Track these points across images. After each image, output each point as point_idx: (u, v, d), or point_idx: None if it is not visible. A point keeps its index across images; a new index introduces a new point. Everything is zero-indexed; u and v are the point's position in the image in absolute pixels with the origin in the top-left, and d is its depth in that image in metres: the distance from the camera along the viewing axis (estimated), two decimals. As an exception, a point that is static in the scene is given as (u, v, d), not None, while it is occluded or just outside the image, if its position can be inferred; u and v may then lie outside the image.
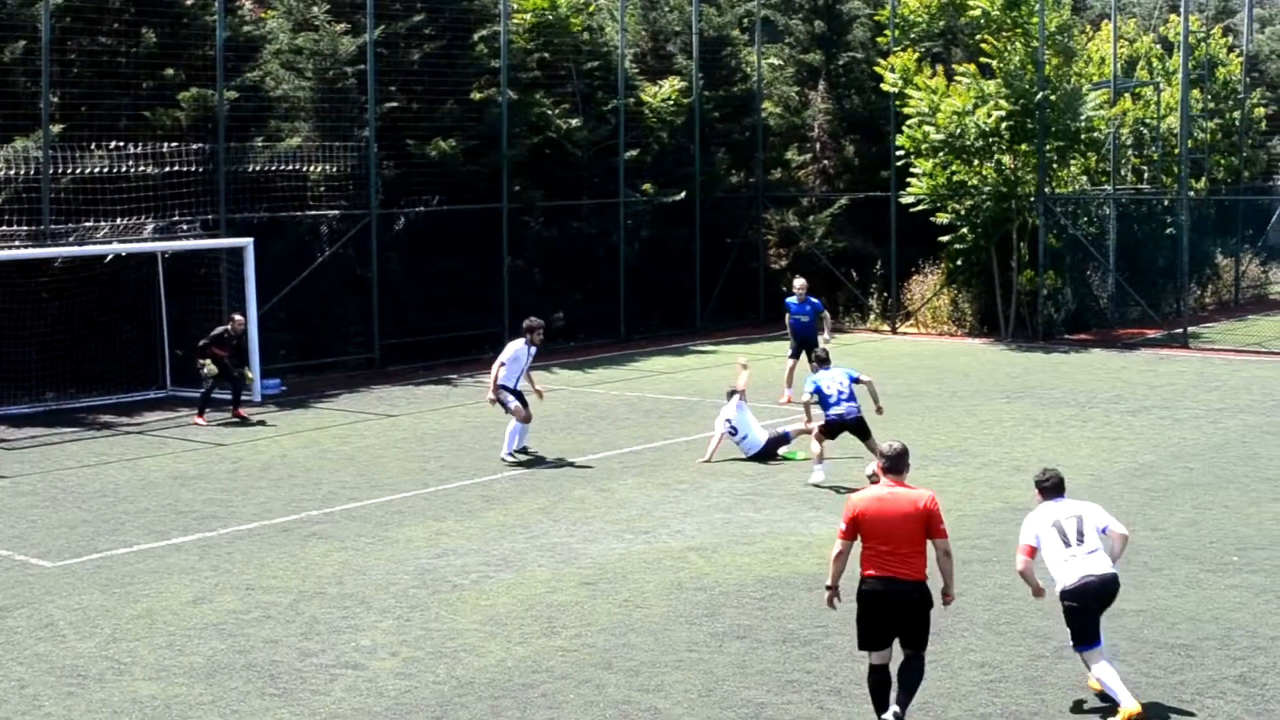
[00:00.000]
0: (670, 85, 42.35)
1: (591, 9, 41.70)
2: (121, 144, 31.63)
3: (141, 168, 31.75)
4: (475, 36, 38.36)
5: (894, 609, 12.77)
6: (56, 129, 30.94)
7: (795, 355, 31.33)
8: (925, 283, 42.39)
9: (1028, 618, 15.94)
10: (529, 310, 30.00)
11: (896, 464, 13.04)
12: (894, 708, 12.77)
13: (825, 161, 46.13)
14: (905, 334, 41.63)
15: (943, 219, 39.73)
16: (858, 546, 12.93)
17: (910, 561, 12.71)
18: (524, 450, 25.00)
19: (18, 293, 30.68)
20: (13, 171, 30.36)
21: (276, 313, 33.44)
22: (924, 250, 41.84)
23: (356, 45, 35.77)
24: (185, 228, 32.36)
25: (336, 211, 35.67)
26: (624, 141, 40.73)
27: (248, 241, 31.77)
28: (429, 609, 16.77)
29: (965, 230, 39.61)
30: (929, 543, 12.84)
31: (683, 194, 41.65)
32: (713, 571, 18.08)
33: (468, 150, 37.45)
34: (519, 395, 25.21)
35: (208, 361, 29.53)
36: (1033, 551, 13.62)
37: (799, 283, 32.51)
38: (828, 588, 13.20)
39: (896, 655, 13.00)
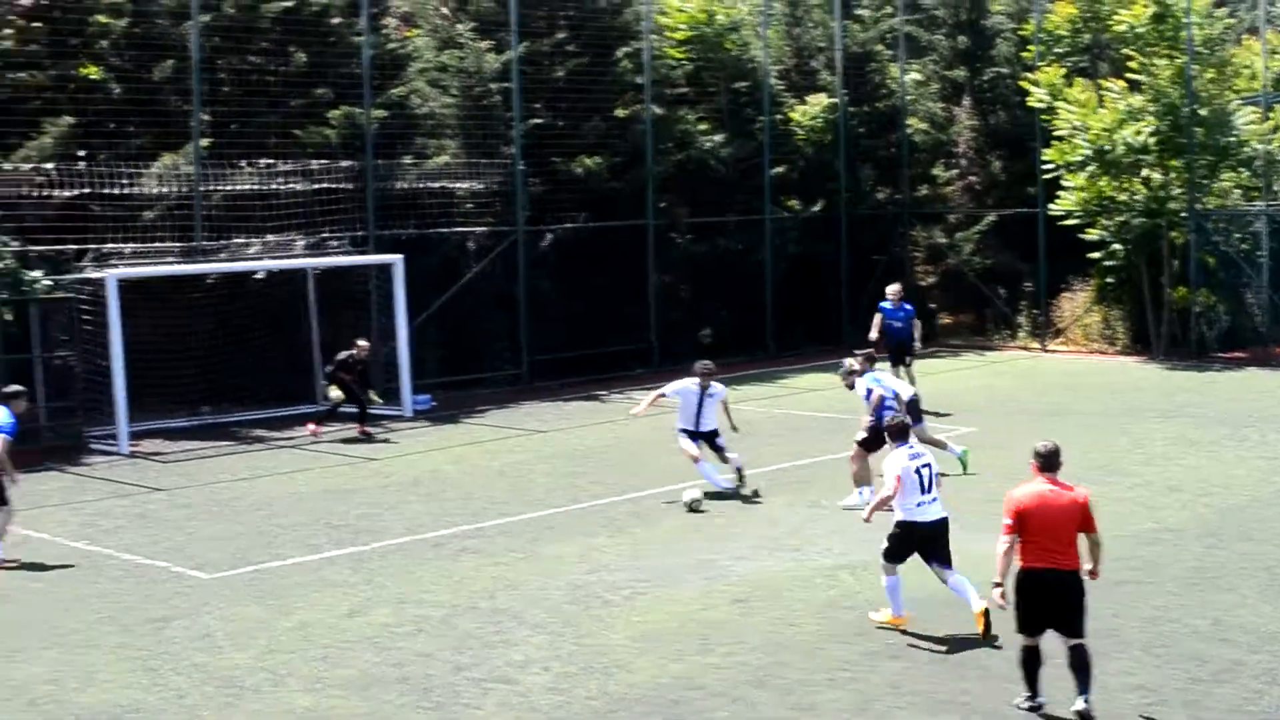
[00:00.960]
0: (816, 102, 42.22)
1: (737, 24, 41.66)
2: (271, 161, 31.99)
3: (291, 185, 32.08)
4: (619, 53, 38.44)
5: (1054, 596, 13.62)
6: (207, 145, 31.34)
7: (895, 362, 31.15)
8: (1075, 300, 41.87)
9: (1185, 640, 15.69)
10: (676, 326, 30.02)
11: (1051, 462, 13.84)
12: (1079, 703, 13.44)
13: (972, 177, 45.74)
14: (1055, 351, 41.12)
15: (1092, 235, 39.28)
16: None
17: (1069, 552, 13.63)
18: (739, 474, 23.92)
19: (172, 308, 31.10)
20: (165, 189, 30.77)
21: (426, 329, 33.64)
22: (1073, 267, 41.32)
23: (501, 62, 35.96)
24: (335, 244, 32.66)
25: (484, 228, 35.84)
26: (770, 158, 40.65)
27: (397, 258, 32.02)
28: (581, 624, 16.77)
29: (1115, 246, 39.14)
30: (1081, 535, 13.75)
31: (820, 207, 41.52)
32: (864, 590, 17.91)
33: (613, 167, 37.54)
34: (695, 436, 23.94)
35: (333, 386, 29.65)
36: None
37: (893, 288, 32.61)
38: (996, 584, 13.77)
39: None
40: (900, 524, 16.49)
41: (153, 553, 20.52)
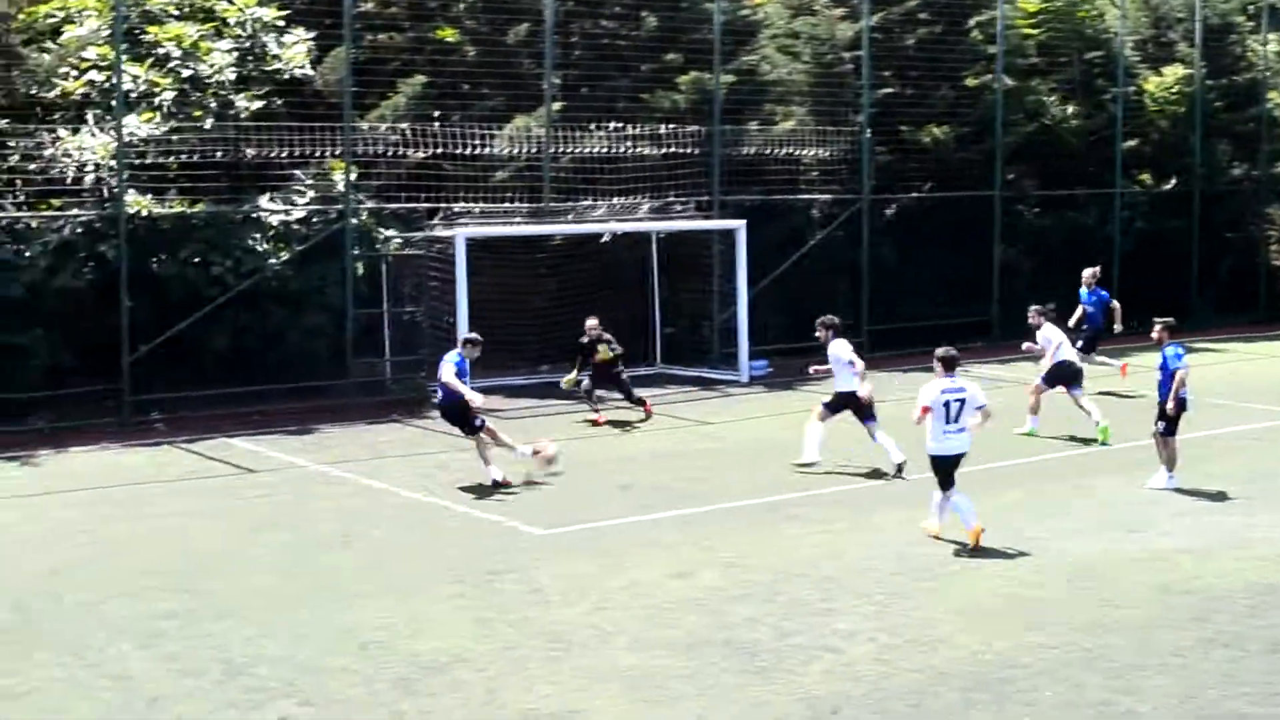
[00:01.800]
0: (1172, 73, 41.20)
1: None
2: (620, 125, 32.32)
3: (638, 149, 32.38)
4: (972, 22, 38.04)
5: None
6: (557, 108, 31.79)
7: (1085, 349, 30.31)
8: None
9: None
10: (1019, 300, 29.55)
11: None
12: None
13: (1334, 154, 44.25)
14: None
15: None
16: None
17: None
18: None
19: (516, 268, 31.66)
20: (516, 150, 31.29)
21: (766, 295, 33.69)
22: None
23: (853, 30, 35.83)
24: (680, 208, 32.88)
25: (829, 196, 35.80)
26: (1122, 131, 39.82)
27: (740, 224, 32.13)
28: (908, 596, 16.67)
29: None
30: None
31: (1173, 182, 40.56)
32: (1202, 575, 17.50)
33: (960, 137, 37.18)
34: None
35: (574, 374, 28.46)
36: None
37: (1088, 272, 32.02)
38: None
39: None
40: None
41: (488, 507, 20.97)
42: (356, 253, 28.90)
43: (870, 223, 35.79)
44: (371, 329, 29.84)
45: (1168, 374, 21.80)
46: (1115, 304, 31.65)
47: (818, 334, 24.01)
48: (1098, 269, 32.27)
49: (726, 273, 32.63)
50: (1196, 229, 41.68)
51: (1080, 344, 30.08)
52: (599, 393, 27.83)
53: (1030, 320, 27.05)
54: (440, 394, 22.88)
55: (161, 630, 15.42)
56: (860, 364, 23.53)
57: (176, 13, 28.96)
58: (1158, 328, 22.27)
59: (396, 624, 15.64)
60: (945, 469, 18.95)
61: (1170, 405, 21.70)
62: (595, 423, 27.31)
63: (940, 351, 19.16)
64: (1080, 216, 39.57)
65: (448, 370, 22.25)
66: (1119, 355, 32.58)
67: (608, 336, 27.68)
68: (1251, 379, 31.24)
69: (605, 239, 32.56)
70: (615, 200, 32.22)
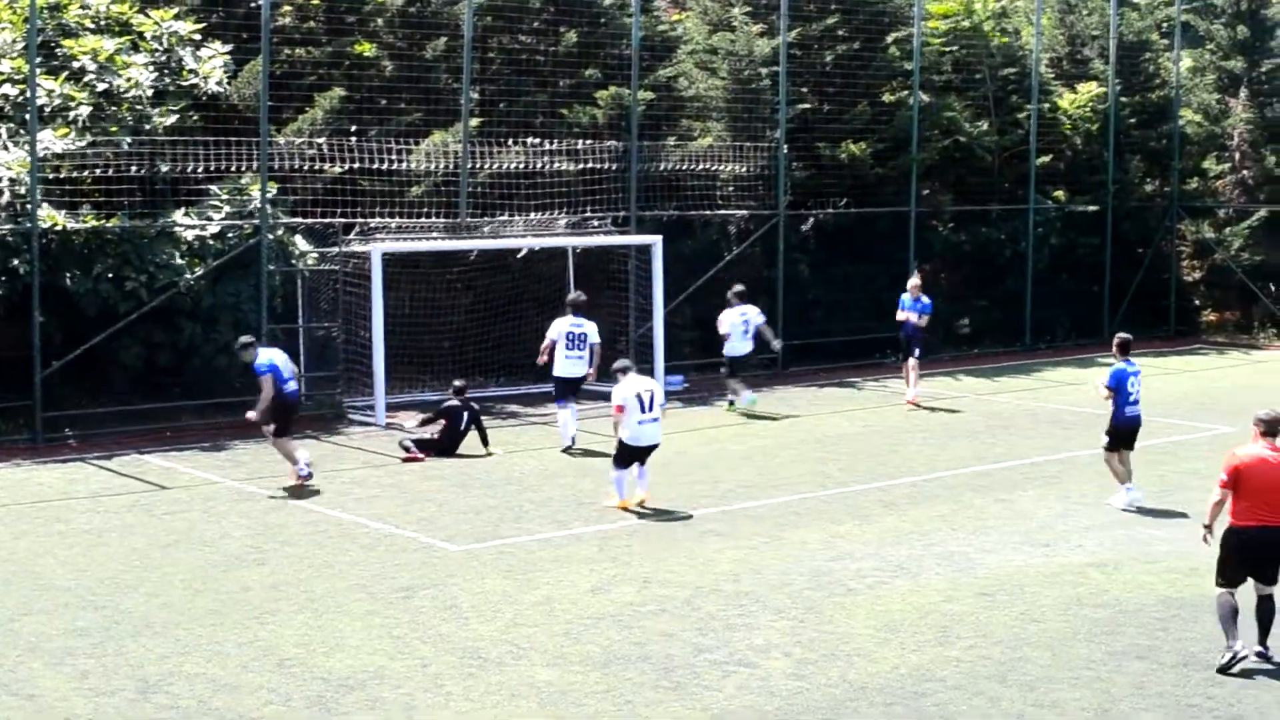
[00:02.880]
0: (1086, 90, 41.55)
1: (1006, 10, 41.18)
2: (537, 140, 32.32)
3: (556, 164, 32.38)
4: (889, 39, 38.25)
5: (1263, 552, 14.77)
6: (475, 124, 31.77)
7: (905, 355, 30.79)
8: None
9: None
10: (935, 316, 29.68)
11: (1273, 428, 14.87)
12: (1257, 647, 14.92)
13: (1245, 171, 44.62)
14: (1326, 352, 40.04)
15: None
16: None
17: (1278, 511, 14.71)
18: None
19: (433, 283, 31.58)
20: (432, 165, 31.23)
21: (683, 310, 33.76)
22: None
23: (771, 46, 35.95)
24: (597, 223, 32.89)
25: (745, 212, 35.88)
26: (1036, 147, 40.12)
27: (656, 239, 32.15)
28: (823, 611, 16.75)
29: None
30: None
31: (1086, 199, 40.94)
32: (1113, 589, 17.69)
33: (877, 153, 37.36)
34: None
35: None
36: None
37: (913, 281, 32.21)
38: (1205, 526, 15.27)
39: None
40: None
41: (403, 523, 20.89)
42: (272, 268, 28.76)
43: (786, 238, 35.88)
44: (287, 345, 29.66)
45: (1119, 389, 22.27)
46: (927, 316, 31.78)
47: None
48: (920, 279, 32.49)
49: (643, 288, 32.65)
50: (1109, 245, 42.00)
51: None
52: None
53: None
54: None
55: (74, 648, 15.31)
56: None
57: (92, 26, 28.73)
58: (1115, 344, 22.75)
59: (312, 641, 15.59)
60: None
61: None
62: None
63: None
64: (993, 232, 39.79)
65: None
66: (1026, 371, 32.85)
67: None
68: (1162, 394, 31.49)
69: (522, 254, 32.54)
70: (532, 215, 32.19)
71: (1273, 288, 42.33)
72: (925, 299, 31.62)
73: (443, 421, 25.97)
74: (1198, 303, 43.90)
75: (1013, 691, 14.21)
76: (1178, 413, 29.74)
